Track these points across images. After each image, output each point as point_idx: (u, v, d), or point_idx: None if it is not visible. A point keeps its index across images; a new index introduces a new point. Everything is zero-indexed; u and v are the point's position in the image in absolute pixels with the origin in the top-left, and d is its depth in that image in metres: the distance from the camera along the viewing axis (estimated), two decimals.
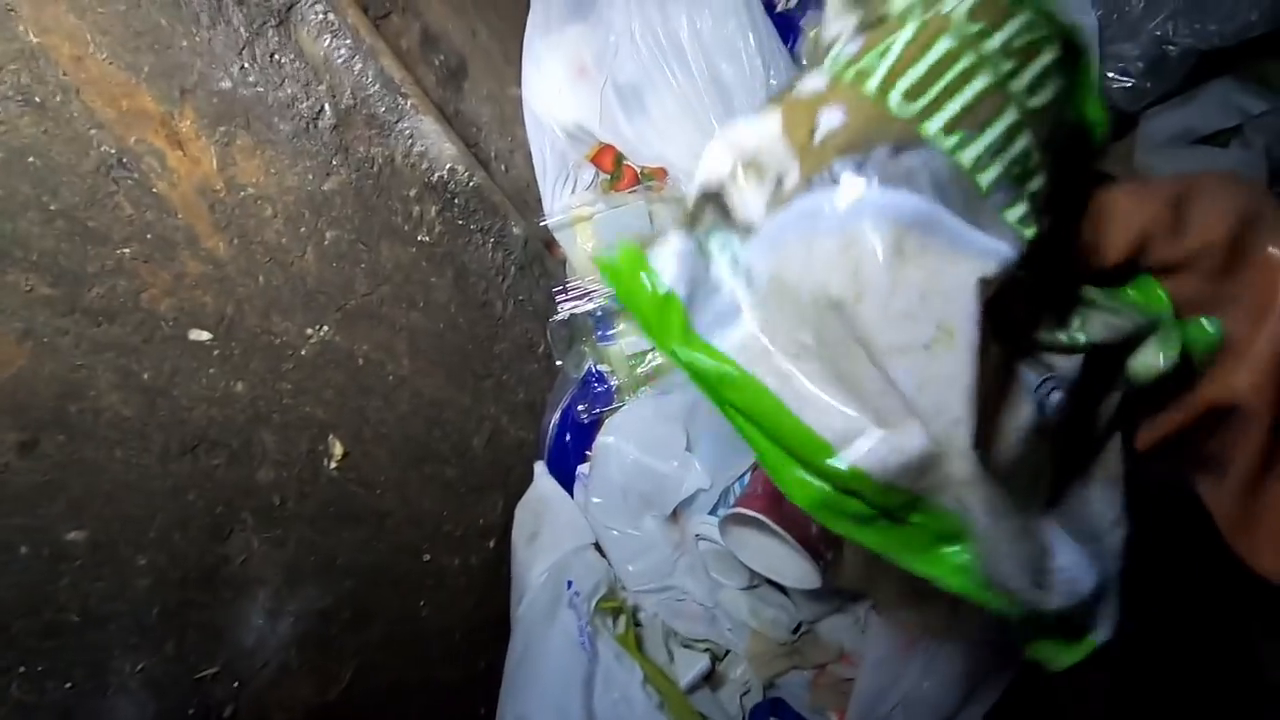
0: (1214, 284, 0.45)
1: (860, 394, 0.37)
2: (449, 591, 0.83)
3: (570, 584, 0.81)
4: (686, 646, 0.86)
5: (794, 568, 0.71)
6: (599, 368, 0.92)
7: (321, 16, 0.66)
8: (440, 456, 0.82)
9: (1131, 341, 0.44)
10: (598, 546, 0.87)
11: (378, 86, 0.72)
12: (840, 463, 0.37)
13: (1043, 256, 0.39)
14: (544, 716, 0.75)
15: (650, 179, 0.96)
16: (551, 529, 0.87)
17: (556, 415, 0.93)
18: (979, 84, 0.37)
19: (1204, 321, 0.46)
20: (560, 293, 0.93)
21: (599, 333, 0.90)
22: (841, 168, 0.36)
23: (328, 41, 0.68)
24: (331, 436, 0.70)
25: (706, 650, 0.86)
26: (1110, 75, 0.84)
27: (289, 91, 0.65)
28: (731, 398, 0.39)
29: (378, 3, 0.78)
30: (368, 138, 0.72)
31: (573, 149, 0.99)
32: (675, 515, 0.83)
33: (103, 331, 0.53)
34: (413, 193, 0.77)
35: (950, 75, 0.37)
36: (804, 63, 0.94)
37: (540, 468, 0.92)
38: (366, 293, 0.72)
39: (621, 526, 0.84)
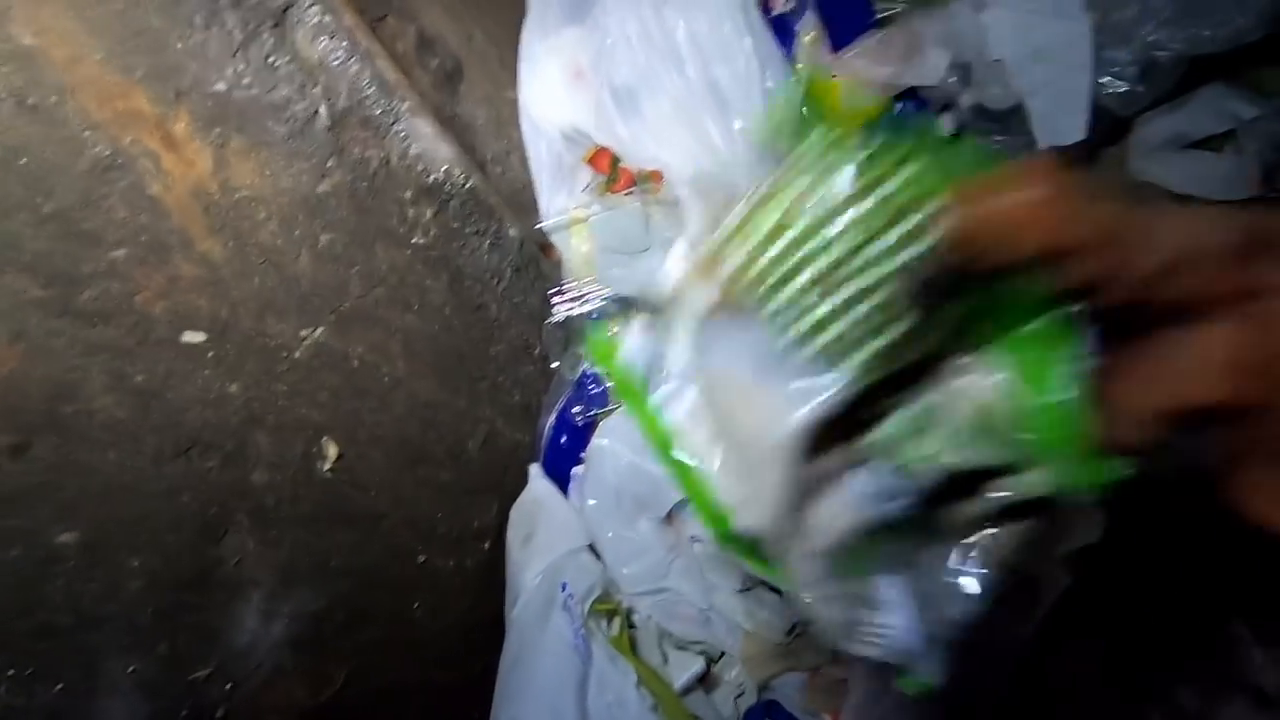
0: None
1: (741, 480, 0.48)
2: (443, 594, 0.83)
3: (565, 586, 0.81)
4: (681, 649, 0.86)
5: None
6: (594, 370, 0.92)
7: (317, 19, 0.67)
8: (435, 459, 0.82)
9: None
10: (593, 549, 0.86)
11: (374, 89, 0.72)
12: (732, 525, 0.47)
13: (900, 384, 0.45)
14: (539, 716, 0.75)
15: (646, 181, 0.96)
16: (546, 531, 0.87)
17: (552, 418, 0.93)
18: (821, 262, 0.43)
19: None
20: (556, 295, 0.93)
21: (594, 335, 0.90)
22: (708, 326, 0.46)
23: (323, 44, 0.68)
24: (326, 439, 0.70)
25: (701, 652, 0.85)
26: (1103, 80, 0.85)
27: (284, 93, 0.65)
28: (667, 460, 0.49)
29: (374, 5, 0.78)
30: (363, 140, 0.72)
31: (569, 151, 0.99)
32: (670, 517, 0.83)
33: (96, 333, 0.53)
34: (408, 195, 0.77)
35: (792, 258, 0.43)
36: (799, 65, 0.95)
37: (535, 470, 0.92)
38: (361, 295, 0.72)
39: (616, 529, 0.84)
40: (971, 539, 0.50)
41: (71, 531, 0.53)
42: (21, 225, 0.49)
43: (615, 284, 0.93)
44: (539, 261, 0.95)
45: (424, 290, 0.79)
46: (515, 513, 0.91)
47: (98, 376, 0.53)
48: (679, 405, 0.50)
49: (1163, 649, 0.80)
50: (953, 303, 0.42)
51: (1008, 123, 0.87)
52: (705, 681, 0.85)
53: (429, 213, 0.79)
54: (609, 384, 0.86)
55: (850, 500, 0.47)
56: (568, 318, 0.92)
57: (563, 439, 0.92)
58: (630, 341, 0.52)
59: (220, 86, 0.60)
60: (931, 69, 0.85)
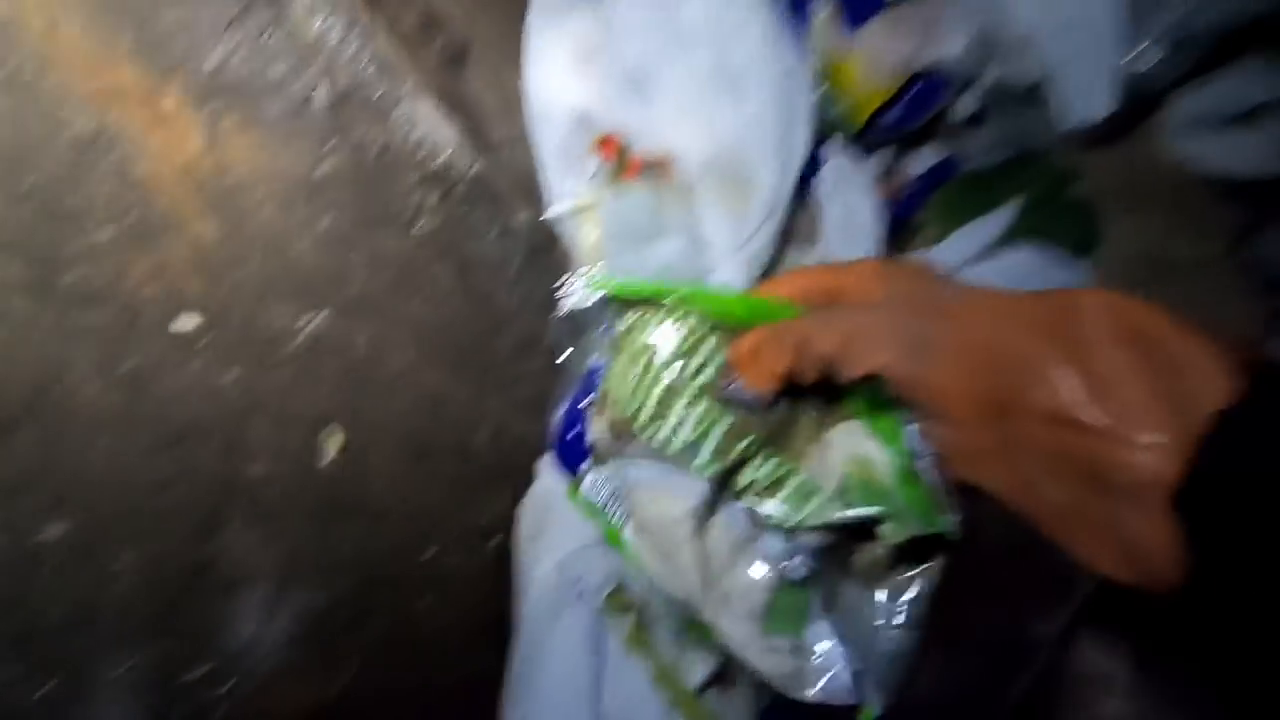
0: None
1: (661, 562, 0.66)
2: (450, 590, 0.81)
3: (577, 580, 0.79)
4: (696, 645, 0.84)
5: None
6: (604, 362, 0.89)
7: None
8: (441, 452, 0.80)
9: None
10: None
11: (374, 69, 0.70)
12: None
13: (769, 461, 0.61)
14: (551, 716, 0.74)
15: (656, 167, 0.93)
16: (556, 526, 0.84)
17: (561, 411, 0.91)
18: (665, 393, 0.62)
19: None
20: (564, 286, 0.91)
21: (604, 326, 0.88)
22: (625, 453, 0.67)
23: (322, 20, 0.65)
24: (327, 430, 0.68)
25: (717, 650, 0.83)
26: (1134, 54, 0.81)
27: (280, 71, 0.62)
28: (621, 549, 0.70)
29: None
30: (364, 121, 0.70)
31: (577, 137, 0.97)
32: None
33: (82, 318, 0.51)
34: (412, 179, 0.75)
35: (654, 394, 0.63)
36: (814, 48, 0.92)
37: (545, 464, 0.90)
38: (364, 281, 0.70)
39: None
40: (885, 580, 0.61)
41: (59, 524, 0.51)
42: None
43: (625, 272, 0.91)
44: (547, 250, 0.92)
45: (429, 278, 0.77)
46: (525, 507, 0.88)
47: (84, 363, 0.51)
48: (620, 513, 0.70)
49: None
50: (769, 403, 0.58)
51: (1031, 99, 0.84)
52: (722, 678, 0.83)
53: (434, 198, 0.77)
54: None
55: (760, 565, 0.60)
56: (576, 309, 0.90)
57: (572, 432, 0.90)
58: (586, 482, 0.76)
59: (212, 62, 0.58)
60: (952, 45, 0.82)
